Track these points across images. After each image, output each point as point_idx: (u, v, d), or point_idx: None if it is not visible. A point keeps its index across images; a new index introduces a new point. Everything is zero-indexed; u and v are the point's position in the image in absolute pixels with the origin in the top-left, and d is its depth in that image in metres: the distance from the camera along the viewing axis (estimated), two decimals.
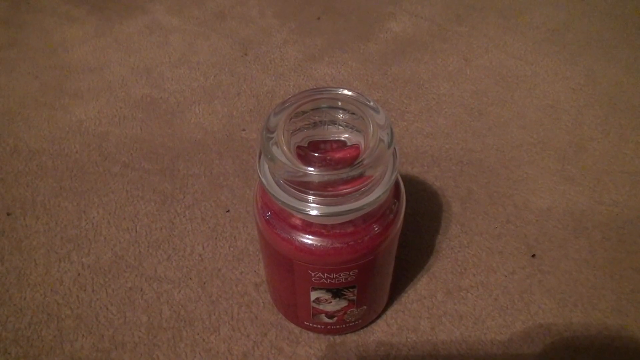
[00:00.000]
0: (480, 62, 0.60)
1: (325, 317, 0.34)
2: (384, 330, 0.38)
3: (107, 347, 0.37)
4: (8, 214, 0.45)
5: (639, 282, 0.40)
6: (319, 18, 0.68)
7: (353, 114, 0.28)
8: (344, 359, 0.36)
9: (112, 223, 0.44)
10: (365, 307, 0.34)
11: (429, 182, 0.47)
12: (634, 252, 0.42)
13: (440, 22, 0.66)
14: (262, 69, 0.60)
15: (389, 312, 0.39)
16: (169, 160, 0.50)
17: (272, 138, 0.27)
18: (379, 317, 0.38)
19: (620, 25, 0.65)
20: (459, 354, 0.37)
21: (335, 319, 0.34)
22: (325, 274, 0.30)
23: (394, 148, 0.28)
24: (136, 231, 0.44)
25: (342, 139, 0.28)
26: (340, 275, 0.30)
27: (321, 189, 0.25)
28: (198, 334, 0.38)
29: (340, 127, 0.29)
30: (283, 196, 0.26)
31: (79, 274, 0.41)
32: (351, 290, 0.32)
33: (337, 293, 0.32)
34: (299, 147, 0.27)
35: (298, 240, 0.28)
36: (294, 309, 0.35)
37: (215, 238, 0.43)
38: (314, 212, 0.26)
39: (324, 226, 0.28)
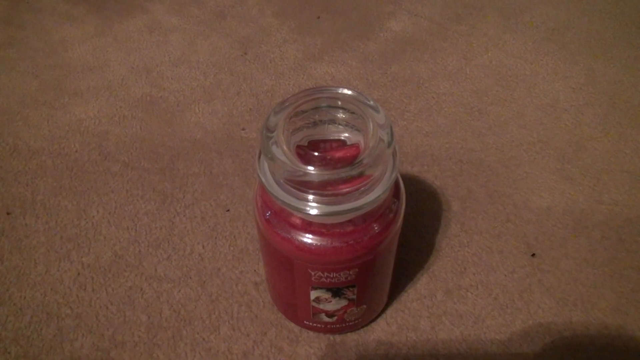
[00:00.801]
0: (480, 61, 0.60)
1: (325, 316, 0.34)
2: (384, 329, 0.38)
3: (107, 347, 0.37)
4: (8, 213, 0.45)
5: (638, 281, 0.40)
6: (318, 17, 0.68)
7: (353, 113, 0.28)
8: (344, 358, 0.36)
9: (112, 222, 0.44)
10: (365, 306, 0.34)
11: (428, 181, 0.47)
12: (634, 252, 0.42)
13: (440, 21, 0.66)
14: (261, 68, 0.60)
15: (388, 311, 0.39)
16: (169, 160, 0.50)
17: (271, 137, 0.27)
18: (379, 316, 0.38)
19: (620, 25, 0.65)
20: (459, 353, 0.37)
21: (335, 318, 0.34)
22: (325, 273, 0.30)
23: (394, 147, 0.28)
24: (136, 230, 0.44)
25: (342, 138, 0.28)
26: (340, 275, 0.30)
27: (321, 188, 0.25)
28: (198, 333, 0.38)
29: (340, 126, 0.29)
30: (283, 195, 0.26)
31: (78, 274, 0.41)
32: (351, 289, 0.32)
33: (337, 292, 0.32)
34: (298, 146, 0.27)
35: (298, 240, 0.28)
36: (294, 308, 0.35)
37: (215, 237, 0.43)
38: (313, 212, 0.26)
39: (324, 225, 0.28)
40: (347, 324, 0.36)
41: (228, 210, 0.45)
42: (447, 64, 0.60)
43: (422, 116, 0.54)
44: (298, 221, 0.28)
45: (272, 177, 0.27)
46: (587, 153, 0.49)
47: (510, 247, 0.42)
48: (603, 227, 0.44)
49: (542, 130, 0.52)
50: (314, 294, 0.32)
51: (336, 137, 0.28)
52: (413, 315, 0.38)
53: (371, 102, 0.28)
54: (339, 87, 0.29)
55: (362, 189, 0.26)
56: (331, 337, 0.37)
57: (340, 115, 0.29)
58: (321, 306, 0.33)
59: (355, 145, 0.28)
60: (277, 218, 0.29)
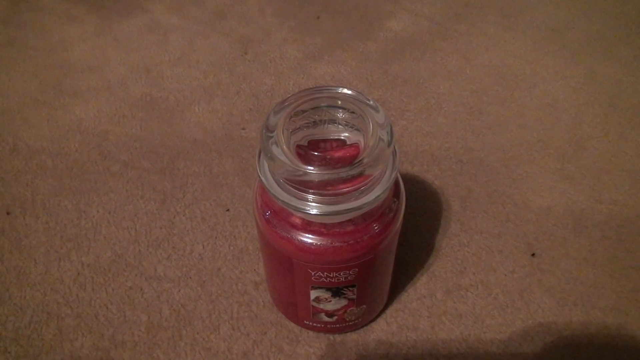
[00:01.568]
0: (480, 61, 0.60)
1: (325, 316, 0.34)
2: (384, 329, 0.38)
3: (107, 346, 0.37)
4: (8, 213, 0.45)
5: (638, 280, 0.40)
6: (318, 17, 0.68)
7: (353, 112, 0.28)
8: (343, 357, 0.36)
9: (111, 222, 0.44)
10: (365, 306, 0.34)
11: (428, 181, 0.47)
12: (634, 251, 0.42)
13: (440, 20, 0.66)
14: (261, 67, 0.60)
15: (388, 311, 0.39)
16: (169, 159, 0.50)
17: (271, 137, 0.27)
18: (378, 316, 0.38)
19: (621, 24, 0.65)
20: (459, 352, 0.37)
21: (335, 317, 0.34)
22: (325, 273, 0.30)
23: (394, 147, 0.28)
24: (136, 230, 0.44)
25: (342, 137, 0.28)
26: (340, 274, 0.30)
27: (321, 188, 0.25)
28: (198, 333, 0.38)
29: (340, 126, 0.29)
30: (283, 195, 0.26)
31: (78, 273, 0.41)
32: (351, 289, 0.32)
33: (336, 292, 0.32)
34: (298, 146, 0.27)
35: (298, 239, 0.28)
36: (294, 307, 0.35)
37: (215, 237, 0.43)
38: (313, 211, 0.26)
39: (324, 225, 0.28)
40: (347, 323, 0.36)
41: (228, 210, 0.45)
42: (447, 64, 0.60)
43: (422, 116, 0.54)
44: (298, 221, 0.28)
45: (272, 176, 0.27)
46: (587, 153, 0.49)
47: (510, 247, 0.42)
48: (603, 226, 0.44)
49: (542, 130, 0.52)
50: (313, 294, 0.32)
51: (336, 137, 0.28)
52: (413, 315, 0.38)
53: (371, 102, 0.28)
54: (339, 86, 0.29)
55: (362, 188, 0.26)
56: (331, 337, 0.37)
57: (340, 114, 0.29)
58: (321, 306, 0.33)
59: (355, 145, 0.28)
60: (277, 218, 0.29)
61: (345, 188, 0.25)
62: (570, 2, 0.69)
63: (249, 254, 0.42)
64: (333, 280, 0.30)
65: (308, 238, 0.28)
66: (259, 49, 0.62)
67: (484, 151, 0.50)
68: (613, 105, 0.54)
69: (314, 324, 0.36)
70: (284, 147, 0.26)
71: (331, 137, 0.28)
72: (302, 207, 0.26)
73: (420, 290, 0.40)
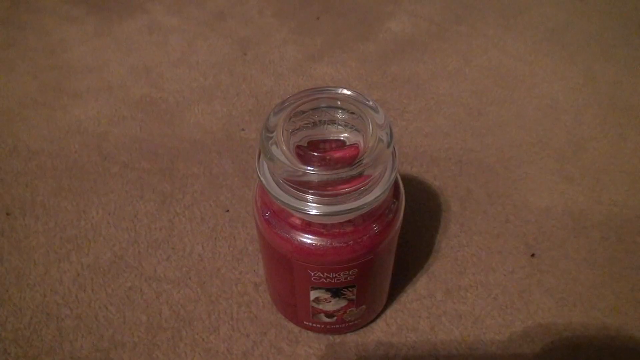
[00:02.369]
0: (479, 62, 0.60)
1: (324, 317, 0.34)
2: (384, 329, 0.38)
3: (106, 347, 0.37)
4: (7, 214, 0.45)
5: (638, 281, 0.40)
6: (318, 18, 0.68)
7: (352, 113, 0.28)
8: (343, 358, 0.36)
9: (111, 223, 0.44)
10: (364, 306, 0.34)
11: (428, 181, 0.47)
12: (633, 252, 0.42)
13: (440, 21, 0.66)
14: (261, 68, 0.60)
15: (388, 312, 0.39)
16: (169, 160, 0.50)
17: (271, 137, 0.27)
18: (378, 316, 0.38)
19: (620, 25, 0.65)
20: (459, 353, 0.37)
21: (335, 318, 0.34)
22: (325, 274, 0.30)
23: (393, 147, 0.28)
24: (135, 231, 0.44)
25: (342, 138, 0.28)
26: (339, 275, 0.30)
27: (320, 188, 0.26)
28: (197, 334, 0.38)
29: (340, 127, 0.29)
30: (282, 196, 0.26)
31: (78, 274, 0.41)
32: (351, 289, 0.32)
33: (336, 292, 0.32)
34: (298, 146, 0.27)
35: (297, 240, 0.28)
36: (294, 308, 0.35)
37: (215, 238, 0.43)
38: (313, 212, 0.26)
39: (324, 226, 0.28)
40: (346, 324, 0.36)
41: (227, 210, 0.45)
42: (446, 65, 0.60)
43: (421, 117, 0.54)
44: (297, 221, 0.28)
45: (272, 177, 0.27)
46: (586, 153, 0.49)
47: (509, 248, 0.42)
48: (602, 227, 0.44)
49: (542, 131, 0.52)
50: (313, 294, 0.32)
51: (336, 138, 0.28)
52: (412, 315, 0.38)
53: (370, 103, 0.28)
54: (339, 87, 0.29)
55: (362, 189, 0.26)
56: (331, 338, 0.37)
57: (340, 115, 0.29)
58: (321, 306, 0.33)
59: (355, 146, 0.28)
60: (276, 218, 0.29)
61: (344, 188, 0.26)
62: (569, 3, 0.69)
63: (249, 254, 0.42)
64: (333, 281, 0.30)
65: (308, 239, 0.28)
66: (258, 50, 0.63)
67: (484, 152, 0.50)
68: (612, 106, 0.54)
69: (314, 325, 0.36)
70: (284, 147, 0.26)
71: (331, 138, 0.28)
72: (302, 207, 0.26)
73: (420, 290, 0.40)
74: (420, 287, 0.40)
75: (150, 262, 0.42)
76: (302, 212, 0.26)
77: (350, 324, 0.36)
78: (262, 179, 0.27)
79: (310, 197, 0.26)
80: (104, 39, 0.65)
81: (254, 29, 0.66)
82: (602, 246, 0.42)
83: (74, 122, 0.54)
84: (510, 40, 0.63)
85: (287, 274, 0.31)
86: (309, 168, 0.25)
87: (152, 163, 0.49)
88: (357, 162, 0.25)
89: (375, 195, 0.26)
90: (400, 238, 0.33)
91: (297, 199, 0.26)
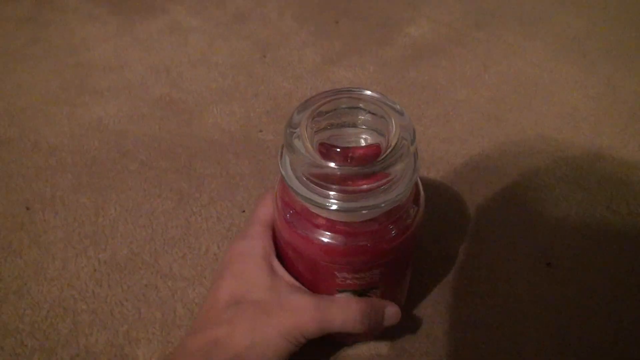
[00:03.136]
0: (498, 69, 0.60)
1: None
2: (397, 334, 0.38)
3: (121, 343, 0.37)
4: (27, 209, 0.46)
5: None
6: (337, 21, 0.68)
7: (374, 114, 0.28)
8: None
9: (128, 220, 0.45)
10: None
11: (444, 187, 0.47)
12: None
13: (459, 27, 0.66)
14: (280, 71, 0.60)
15: (402, 317, 0.39)
16: (186, 159, 0.50)
17: (295, 132, 0.27)
18: None
19: None
20: None
21: None
22: (351, 274, 0.30)
23: (415, 149, 0.28)
24: (152, 229, 0.44)
25: (362, 138, 0.29)
26: (365, 275, 0.30)
27: (342, 183, 0.26)
28: None
29: (362, 128, 0.29)
30: (303, 191, 0.26)
31: (95, 270, 0.42)
32: (374, 291, 0.32)
33: (361, 295, 0.32)
34: (321, 144, 0.27)
35: (321, 240, 0.28)
36: None
37: (231, 238, 0.44)
38: (334, 207, 0.26)
39: (347, 224, 0.28)
40: None
41: (244, 211, 0.46)
42: (465, 71, 0.60)
43: (439, 122, 0.53)
44: (322, 221, 0.28)
45: (294, 173, 0.27)
46: (605, 163, 0.49)
47: (525, 256, 0.42)
48: (620, 238, 0.43)
49: (560, 139, 0.51)
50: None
51: (357, 139, 0.29)
52: (426, 321, 0.38)
53: (397, 106, 0.28)
54: (362, 88, 0.29)
55: (383, 187, 0.26)
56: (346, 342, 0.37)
57: (362, 117, 0.29)
58: None
59: (377, 145, 0.28)
60: (298, 218, 0.29)
61: (365, 184, 0.26)
62: (590, 11, 0.68)
63: None
64: (358, 282, 0.30)
65: (332, 238, 0.28)
66: (277, 53, 0.63)
67: (501, 159, 0.50)
68: (633, 115, 0.54)
69: None
70: (307, 143, 0.26)
71: (352, 139, 0.29)
72: (323, 202, 0.26)
73: (434, 297, 0.40)
74: (434, 293, 0.40)
75: (166, 259, 0.42)
76: (323, 208, 0.26)
77: None
78: (283, 173, 0.27)
79: (331, 192, 0.26)
80: (125, 38, 0.65)
81: (273, 31, 0.66)
82: (619, 257, 0.42)
83: (95, 120, 0.54)
84: (530, 47, 0.63)
85: (311, 276, 0.31)
86: (331, 163, 0.26)
87: (170, 162, 0.50)
88: (380, 159, 0.26)
89: (397, 192, 0.26)
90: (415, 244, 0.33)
91: (318, 195, 0.26)
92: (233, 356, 0.29)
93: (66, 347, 0.37)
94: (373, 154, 0.27)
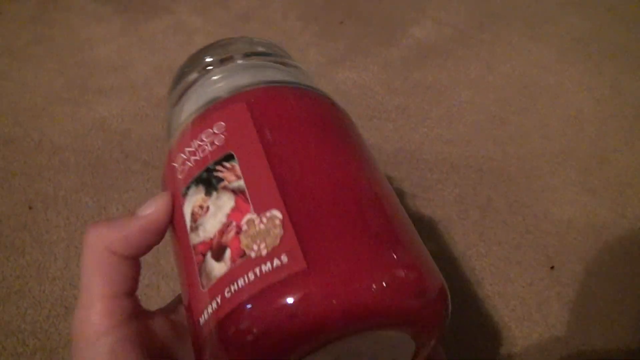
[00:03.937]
0: (503, 70, 0.60)
1: None
2: None
3: None
4: (30, 208, 0.46)
5: None
6: (341, 22, 0.68)
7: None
8: None
9: None
10: None
11: (448, 188, 0.47)
12: None
13: (464, 29, 0.66)
14: None
15: None
16: None
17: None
18: None
19: None
20: None
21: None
22: None
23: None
24: None
25: None
26: None
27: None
28: None
29: None
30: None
31: None
32: None
33: None
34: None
35: None
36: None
37: None
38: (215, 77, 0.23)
39: None
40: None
41: None
42: (469, 72, 0.60)
43: (442, 123, 0.53)
44: None
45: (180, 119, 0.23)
46: (610, 166, 0.49)
47: (529, 259, 0.42)
48: (625, 242, 0.43)
49: (565, 142, 0.51)
50: None
51: None
52: None
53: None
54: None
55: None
56: None
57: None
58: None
59: None
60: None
61: None
62: (596, 13, 0.68)
63: None
64: None
65: None
66: None
67: (505, 161, 0.49)
68: (638, 117, 0.53)
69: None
70: None
71: None
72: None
73: None
74: None
75: (168, 260, 0.42)
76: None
77: None
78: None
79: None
80: (129, 38, 0.65)
81: (277, 31, 0.66)
82: (624, 261, 0.42)
83: (98, 119, 0.54)
84: (535, 49, 0.63)
85: None
86: None
87: None
88: None
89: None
90: None
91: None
92: None
93: (68, 347, 0.37)
94: None
